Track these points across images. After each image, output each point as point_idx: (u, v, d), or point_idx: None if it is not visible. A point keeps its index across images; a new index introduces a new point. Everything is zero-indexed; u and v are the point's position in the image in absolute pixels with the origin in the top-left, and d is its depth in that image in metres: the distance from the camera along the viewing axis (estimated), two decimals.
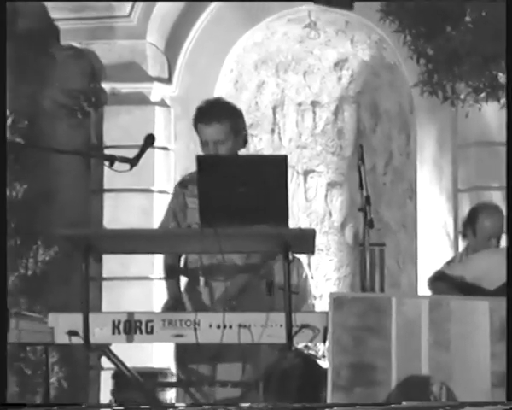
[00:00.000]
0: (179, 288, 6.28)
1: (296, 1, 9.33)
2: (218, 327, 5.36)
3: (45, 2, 9.52)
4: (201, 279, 6.15)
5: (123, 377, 6.80)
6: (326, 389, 4.56)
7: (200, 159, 5.76)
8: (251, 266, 6.14)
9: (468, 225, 7.70)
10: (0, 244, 5.49)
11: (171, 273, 6.29)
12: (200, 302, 6.08)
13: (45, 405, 4.71)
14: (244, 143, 6.20)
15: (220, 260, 6.04)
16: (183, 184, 6.29)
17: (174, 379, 6.67)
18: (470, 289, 6.32)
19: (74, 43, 9.64)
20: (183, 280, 6.26)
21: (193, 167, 5.85)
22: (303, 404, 4.57)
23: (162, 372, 7.32)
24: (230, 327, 5.34)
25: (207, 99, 6.48)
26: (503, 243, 7.32)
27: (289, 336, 5.24)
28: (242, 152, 6.15)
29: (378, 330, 4.52)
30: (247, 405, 5.14)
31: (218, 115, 6.12)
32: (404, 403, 4.44)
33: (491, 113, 8.55)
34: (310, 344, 5.77)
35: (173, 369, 6.54)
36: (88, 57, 9.69)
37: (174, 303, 6.15)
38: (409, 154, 9.69)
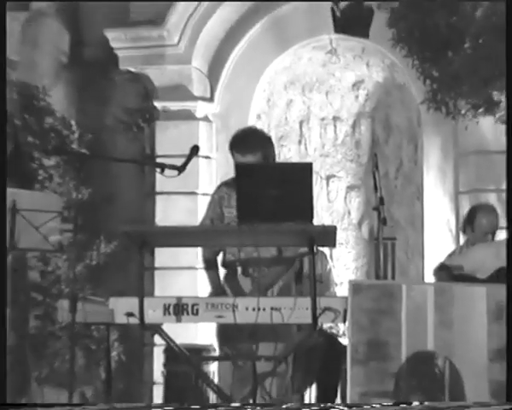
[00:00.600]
0: (219, 278, 6.29)
1: None
2: (254, 309, 5.38)
3: (107, 34, 9.54)
4: (239, 270, 6.17)
5: (172, 352, 6.81)
6: (346, 363, 4.58)
7: (238, 166, 5.78)
8: (282, 258, 6.16)
9: (468, 223, 7.67)
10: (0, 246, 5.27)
11: (210, 266, 6.31)
12: (239, 289, 6.10)
13: (47, 405, 4.49)
14: None
15: (255, 253, 6.07)
16: (223, 193, 6.29)
17: (216, 354, 6.65)
18: (468, 278, 6.32)
19: (131, 69, 9.66)
20: (222, 271, 6.28)
21: (231, 173, 5.88)
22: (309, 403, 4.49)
23: (206, 348, 7.27)
24: (264, 310, 5.36)
25: (243, 129, 6.47)
26: (497, 237, 7.31)
27: (314, 318, 5.26)
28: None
29: (390, 312, 4.53)
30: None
31: (251, 147, 6.10)
32: (403, 405, 4.38)
33: (488, 126, 8.50)
34: (332, 324, 5.73)
35: (215, 345, 6.53)
36: (142, 80, 9.71)
37: (216, 291, 6.18)
38: (416, 161, 9.65)
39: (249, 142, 6.13)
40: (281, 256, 6.13)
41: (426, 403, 4.41)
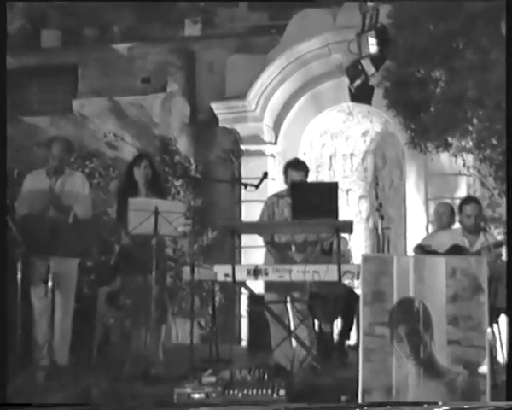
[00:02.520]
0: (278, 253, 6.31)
1: None
2: (302, 272, 5.42)
3: (212, 105, 9.57)
4: (293, 248, 6.19)
5: (252, 298, 6.86)
6: (358, 305, 4.58)
7: (293, 183, 5.86)
8: (319, 240, 6.19)
9: (434, 217, 7.65)
10: (0, 248, 4.79)
11: (270, 246, 6.33)
12: (292, 260, 6.13)
13: (46, 405, 4.47)
14: None
15: (301, 237, 6.11)
16: (274, 200, 6.35)
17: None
18: (434, 252, 6.28)
19: (226, 125, 9.73)
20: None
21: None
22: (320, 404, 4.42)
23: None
24: (308, 272, 5.40)
25: (294, 158, 6.56)
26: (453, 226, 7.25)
27: (339, 277, 5.31)
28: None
29: (386, 273, 4.45)
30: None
31: (300, 167, 6.21)
32: (405, 407, 4.24)
33: (445, 158, 8.44)
34: (350, 281, 5.75)
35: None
36: (233, 132, 9.77)
37: (277, 261, 6.19)
38: (401, 180, 9.61)
39: (299, 164, 6.26)
40: (317, 239, 6.17)
41: (439, 403, 4.24)
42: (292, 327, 5.95)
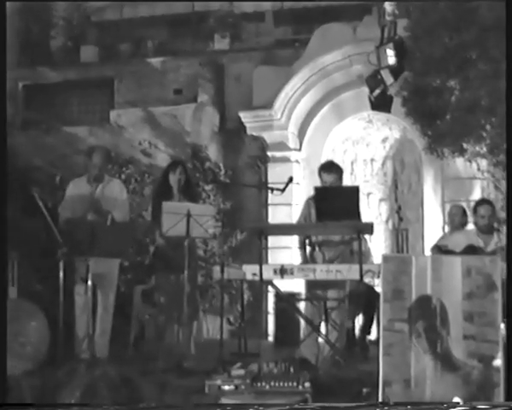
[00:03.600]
0: (306, 253, 6.30)
1: None
2: (326, 271, 5.41)
3: (239, 114, 9.59)
4: (317, 248, 6.19)
5: (279, 295, 6.85)
6: (379, 302, 4.56)
7: (317, 188, 5.87)
8: (343, 241, 6.17)
9: (448, 218, 7.60)
10: (0, 250, 4.68)
11: (301, 245, 6.32)
12: (317, 260, 6.12)
13: (46, 405, 4.46)
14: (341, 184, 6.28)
15: (327, 238, 6.11)
16: (309, 202, 6.36)
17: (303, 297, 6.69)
18: (450, 252, 6.25)
19: (253, 133, 9.71)
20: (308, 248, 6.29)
21: (311, 193, 5.91)
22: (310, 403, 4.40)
23: (297, 294, 7.15)
24: (332, 271, 5.38)
25: (327, 160, 6.54)
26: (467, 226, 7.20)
27: (361, 276, 5.29)
28: None
29: (405, 272, 4.40)
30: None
31: (333, 169, 6.20)
32: (408, 407, 4.16)
33: (461, 163, 8.40)
34: (371, 279, 5.75)
35: (303, 292, 6.54)
36: (260, 140, 9.73)
37: (304, 261, 6.19)
38: (419, 184, 9.55)
39: (331, 167, 6.27)
40: (342, 240, 6.16)
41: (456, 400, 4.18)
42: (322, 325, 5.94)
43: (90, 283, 5.78)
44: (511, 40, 5.15)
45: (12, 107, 10.61)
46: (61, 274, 5.64)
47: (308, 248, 6.28)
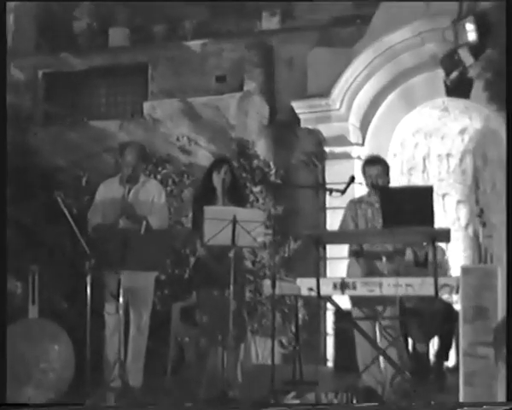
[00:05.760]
0: (366, 263, 6.29)
1: None
2: (394, 285, 5.38)
3: (292, 104, 9.61)
4: (383, 258, 6.16)
5: (339, 314, 6.84)
6: (458, 322, 4.52)
7: (382, 188, 5.85)
8: (396, 251, 6.18)
9: None
10: (0, 252, 4.83)
11: (356, 255, 6.32)
12: (379, 272, 6.10)
13: (45, 405, 4.40)
14: (388, 181, 6.33)
15: (389, 247, 6.08)
16: (355, 203, 6.41)
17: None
18: None
19: (309, 126, 9.70)
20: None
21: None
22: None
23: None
24: (401, 285, 5.35)
25: (369, 154, 6.56)
26: None
27: (436, 291, 5.24)
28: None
29: (489, 287, 4.45)
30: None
31: (375, 161, 6.25)
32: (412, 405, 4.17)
33: None
34: (448, 295, 5.68)
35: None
36: (316, 133, 9.71)
37: (366, 273, 6.16)
38: (505, 183, 9.39)
39: (374, 158, 6.33)
40: (396, 249, 6.15)
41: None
42: (381, 346, 5.91)
43: (121, 300, 5.83)
44: (511, 40, 5.20)
45: (30, 99, 10.79)
46: (89, 290, 5.69)
47: (358, 260, 6.27)
